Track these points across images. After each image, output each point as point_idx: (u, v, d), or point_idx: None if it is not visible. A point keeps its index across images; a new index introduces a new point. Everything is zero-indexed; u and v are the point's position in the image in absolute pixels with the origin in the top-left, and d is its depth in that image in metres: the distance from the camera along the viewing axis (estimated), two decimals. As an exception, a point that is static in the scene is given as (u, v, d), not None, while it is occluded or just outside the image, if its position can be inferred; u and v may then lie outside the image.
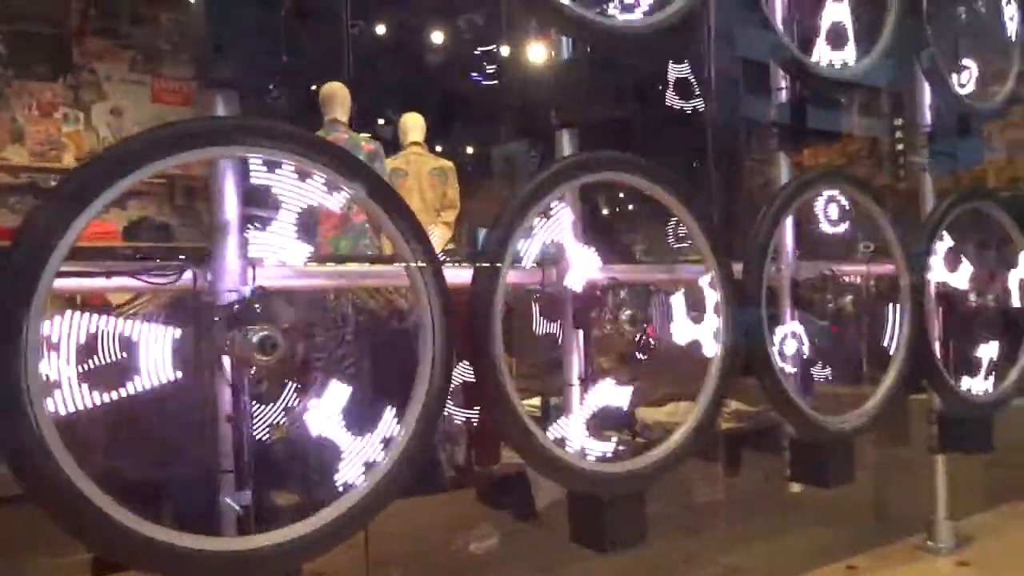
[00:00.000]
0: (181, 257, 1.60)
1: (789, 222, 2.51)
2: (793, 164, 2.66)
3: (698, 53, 3.46)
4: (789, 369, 2.49)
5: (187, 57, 6.27)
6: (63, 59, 5.82)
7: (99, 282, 1.54)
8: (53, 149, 5.79)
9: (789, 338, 2.50)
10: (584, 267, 2.05)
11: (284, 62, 1.59)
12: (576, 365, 2.08)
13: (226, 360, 1.57)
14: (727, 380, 2.24)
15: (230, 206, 1.63)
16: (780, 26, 2.49)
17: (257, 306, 1.59)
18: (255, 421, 1.70)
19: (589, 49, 2.04)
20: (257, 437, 1.68)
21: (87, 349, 1.43)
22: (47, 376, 1.35)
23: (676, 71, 3.77)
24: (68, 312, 1.37)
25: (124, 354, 1.47)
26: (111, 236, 5.28)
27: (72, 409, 1.37)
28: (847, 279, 2.65)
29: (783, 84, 2.63)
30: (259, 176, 1.54)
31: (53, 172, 5.72)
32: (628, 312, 2.01)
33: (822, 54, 2.58)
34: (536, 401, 3.19)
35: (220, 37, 1.50)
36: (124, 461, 1.76)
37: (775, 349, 2.42)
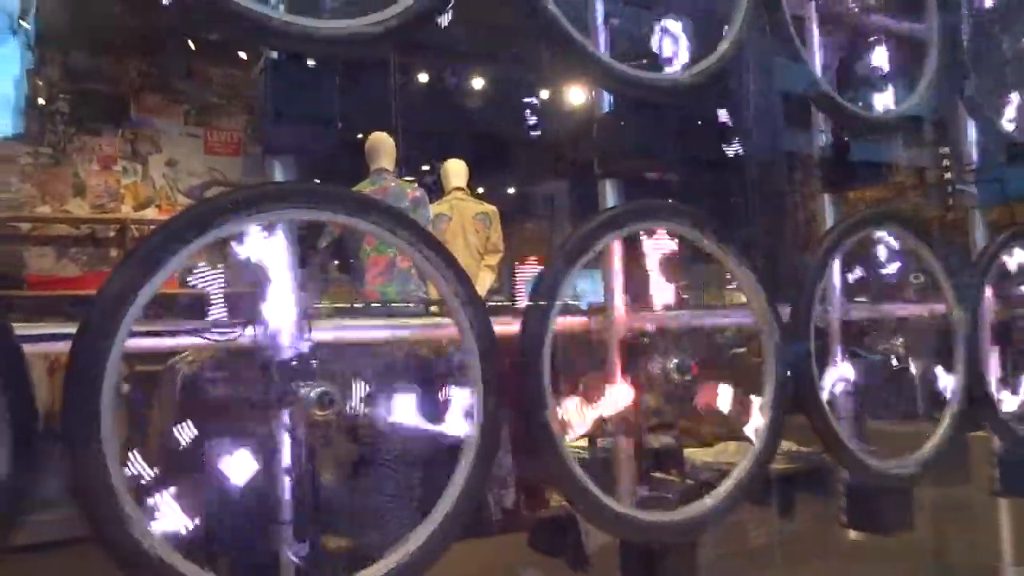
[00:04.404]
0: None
1: (837, 263, 2.49)
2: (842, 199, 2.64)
3: (737, 96, 3.48)
4: (839, 410, 2.45)
5: (237, 110, 6.52)
6: (122, 114, 6.10)
7: (165, 340, 1.62)
8: (112, 200, 6.04)
9: (838, 379, 2.48)
10: (629, 313, 2.07)
11: (338, 126, 1.66)
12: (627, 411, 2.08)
13: (285, 414, 1.63)
14: (779, 422, 2.21)
15: (288, 263, 1.70)
16: (819, 70, 2.50)
17: (314, 361, 1.65)
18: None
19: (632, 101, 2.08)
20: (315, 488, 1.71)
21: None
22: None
23: (716, 113, 3.80)
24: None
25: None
26: (170, 283, 5.45)
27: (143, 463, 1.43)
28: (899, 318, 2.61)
29: (824, 126, 2.63)
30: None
31: (112, 223, 5.97)
32: (675, 359, 2.01)
33: (864, 96, 2.58)
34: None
35: (280, 105, 1.58)
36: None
37: (824, 390, 2.40)
